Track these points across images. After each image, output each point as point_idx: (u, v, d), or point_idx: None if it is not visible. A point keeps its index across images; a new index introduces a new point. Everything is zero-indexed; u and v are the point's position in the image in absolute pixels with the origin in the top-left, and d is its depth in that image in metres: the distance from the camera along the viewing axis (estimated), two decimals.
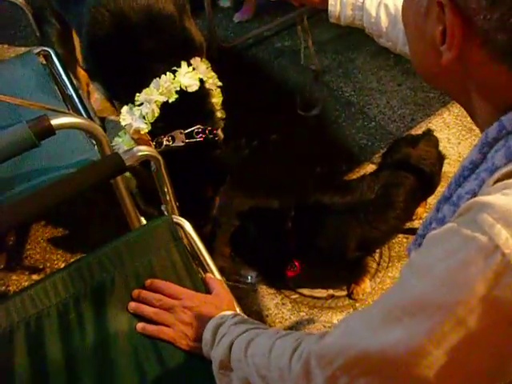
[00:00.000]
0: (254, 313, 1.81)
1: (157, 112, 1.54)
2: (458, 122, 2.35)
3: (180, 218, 1.23)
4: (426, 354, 0.55)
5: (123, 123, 1.59)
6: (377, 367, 0.59)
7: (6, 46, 2.95)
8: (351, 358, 0.61)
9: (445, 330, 0.53)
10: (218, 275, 1.16)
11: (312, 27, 2.53)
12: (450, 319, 0.53)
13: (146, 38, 1.56)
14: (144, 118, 1.55)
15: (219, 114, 1.71)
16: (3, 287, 1.91)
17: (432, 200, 2.01)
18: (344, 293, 1.86)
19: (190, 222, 1.23)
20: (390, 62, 2.64)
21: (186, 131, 1.57)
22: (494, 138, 0.64)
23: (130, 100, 1.58)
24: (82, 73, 2.31)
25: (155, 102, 1.53)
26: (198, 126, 1.59)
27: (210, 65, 1.67)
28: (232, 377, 0.86)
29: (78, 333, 1.06)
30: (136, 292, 1.09)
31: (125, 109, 1.59)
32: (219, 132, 1.67)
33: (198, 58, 1.62)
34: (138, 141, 1.56)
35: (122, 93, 1.63)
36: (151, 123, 1.56)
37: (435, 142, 1.87)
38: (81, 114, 1.56)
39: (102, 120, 2.40)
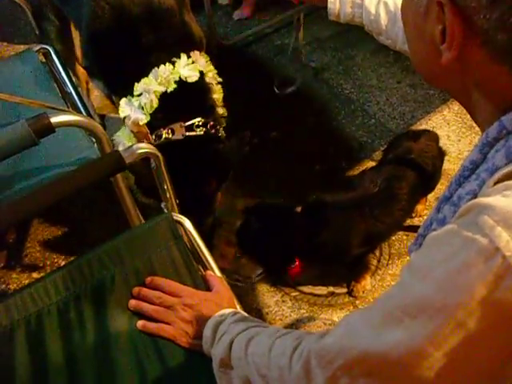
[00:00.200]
0: (255, 310, 1.81)
1: (155, 102, 1.53)
2: (457, 119, 2.35)
3: (180, 216, 1.23)
4: (426, 356, 0.55)
5: (122, 115, 1.58)
6: (377, 368, 0.59)
7: (5, 43, 2.94)
8: (352, 358, 0.61)
9: (445, 332, 0.54)
10: (218, 272, 1.16)
11: (311, 24, 2.55)
12: (450, 321, 0.53)
13: (146, 31, 1.55)
14: (143, 108, 1.54)
15: (221, 111, 1.70)
16: (3, 285, 1.91)
17: (432, 197, 2.01)
18: (344, 290, 1.87)
19: (190, 219, 1.22)
20: (389, 59, 2.64)
21: (187, 124, 1.56)
22: (494, 138, 0.64)
23: (129, 94, 1.58)
24: (81, 70, 2.31)
25: (154, 92, 1.52)
26: (198, 119, 1.58)
27: (209, 58, 1.66)
28: (232, 375, 0.85)
29: (79, 331, 1.06)
30: (136, 290, 1.09)
31: (123, 100, 1.58)
32: (221, 130, 1.66)
33: (197, 52, 1.62)
34: (137, 134, 1.55)
35: (122, 87, 1.62)
36: (150, 114, 1.54)
37: (436, 138, 1.89)
38: (80, 112, 1.56)
39: (102, 117, 2.41)
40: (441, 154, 1.88)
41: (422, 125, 2.32)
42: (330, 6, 1.25)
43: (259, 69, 2.71)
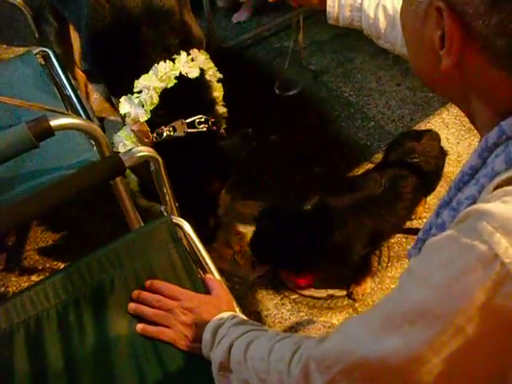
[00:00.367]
0: (254, 313, 1.81)
1: (156, 99, 1.52)
2: (456, 121, 2.36)
3: (179, 219, 1.23)
4: (425, 362, 0.55)
5: (122, 112, 1.57)
6: (376, 373, 0.59)
7: (4, 46, 2.95)
8: (351, 363, 0.61)
9: (444, 338, 0.54)
10: (217, 275, 1.16)
11: (311, 27, 2.55)
12: (449, 328, 0.53)
13: (146, 30, 1.55)
14: (143, 105, 1.54)
15: (221, 110, 1.70)
16: (3, 288, 1.91)
17: (431, 200, 2.01)
18: (343, 293, 1.86)
19: (190, 222, 1.22)
20: (388, 61, 2.64)
21: (188, 121, 1.55)
22: (493, 143, 0.64)
23: (129, 94, 1.58)
24: (80, 73, 2.31)
25: (154, 88, 1.52)
26: (199, 116, 1.57)
27: (208, 56, 1.66)
28: (231, 378, 0.86)
29: (78, 334, 1.06)
30: (136, 293, 1.09)
31: (123, 98, 1.57)
32: (222, 131, 1.66)
33: (196, 50, 1.61)
34: (138, 132, 1.55)
35: (122, 87, 1.61)
36: (151, 111, 1.54)
37: (437, 137, 1.90)
38: (80, 115, 1.56)
39: (101, 120, 2.41)
40: (442, 153, 1.89)
41: (421, 127, 2.32)
42: (328, 9, 1.25)
43: (259, 71, 2.71)
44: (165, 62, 1.53)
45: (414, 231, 1.96)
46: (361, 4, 1.20)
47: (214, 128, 1.59)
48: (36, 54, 1.71)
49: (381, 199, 1.68)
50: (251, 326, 0.93)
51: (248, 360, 0.81)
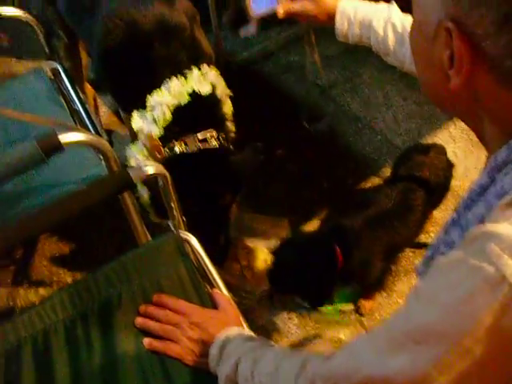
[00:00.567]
0: (261, 328, 1.80)
1: (169, 116, 1.53)
2: (464, 135, 2.35)
3: (187, 234, 1.24)
4: (430, 381, 0.55)
5: (135, 127, 1.58)
6: None
7: (14, 59, 2.97)
8: (356, 382, 0.61)
9: (451, 358, 0.54)
10: (224, 290, 1.16)
11: (319, 42, 2.55)
12: (456, 349, 0.53)
13: (159, 46, 1.56)
14: (155, 122, 1.55)
15: (229, 125, 1.71)
16: (10, 301, 1.92)
17: (437, 214, 2.01)
18: (351, 307, 1.86)
19: (202, 238, 1.22)
20: (395, 76, 2.64)
21: (200, 136, 1.56)
22: (502, 162, 0.64)
23: (140, 109, 1.59)
24: (88, 87, 2.33)
25: (167, 104, 1.53)
26: (211, 131, 1.58)
27: (219, 72, 1.67)
28: None
29: (85, 349, 1.06)
30: (143, 307, 1.09)
31: (136, 113, 1.59)
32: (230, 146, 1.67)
33: (206, 65, 1.63)
34: (150, 147, 1.55)
35: (133, 103, 1.62)
36: (164, 128, 1.55)
37: (444, 151, 1.91)
38: (88, 129, 1.57)
39: (109, 133, 2.42)
40: (449, 166, 1.90)
41: (429, 141, 2.31)
42: (337, 26, 1.26)
43: (266, 86, 2.71)
44: (176, 77, 1.54)
45: (421, 245, 1.96)
46: (370, 21, 1.21)
47: (225, 143, 1.59)
48: (46, 68, 1.72)
49: (392, 212, 1.69)
50: (258, 341, 0.93)
51: (255, 376, 0.81)
